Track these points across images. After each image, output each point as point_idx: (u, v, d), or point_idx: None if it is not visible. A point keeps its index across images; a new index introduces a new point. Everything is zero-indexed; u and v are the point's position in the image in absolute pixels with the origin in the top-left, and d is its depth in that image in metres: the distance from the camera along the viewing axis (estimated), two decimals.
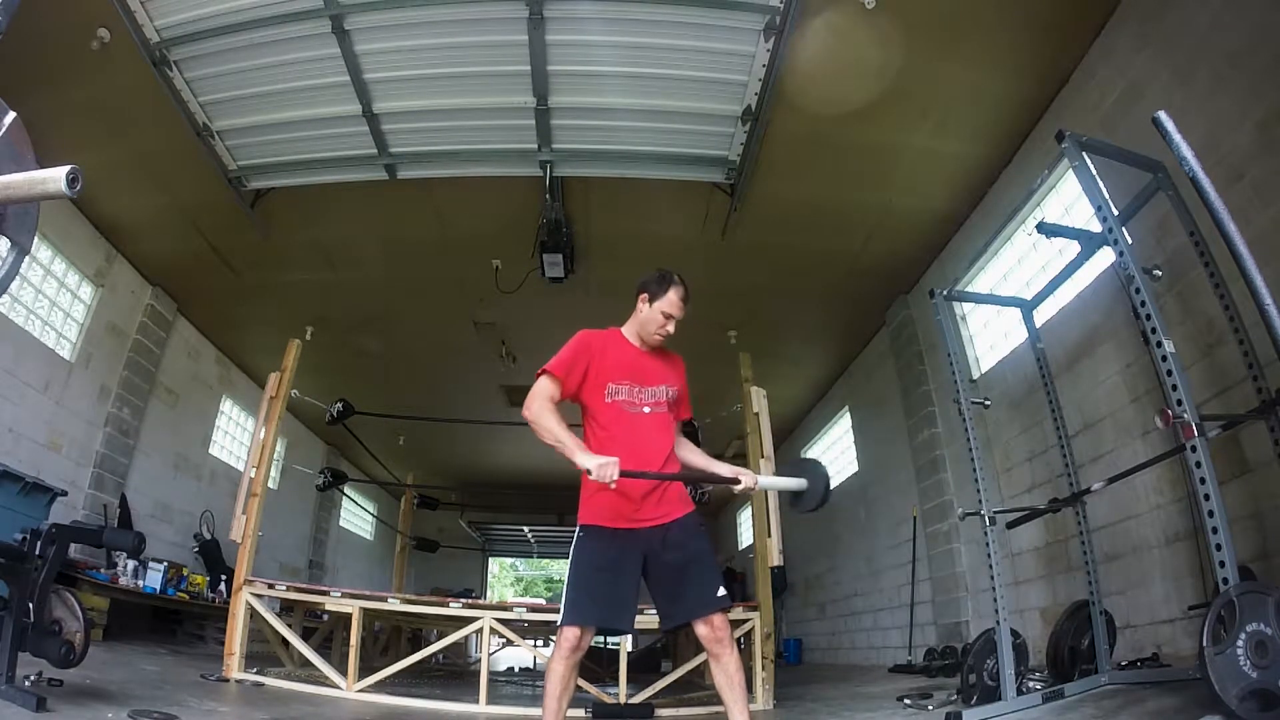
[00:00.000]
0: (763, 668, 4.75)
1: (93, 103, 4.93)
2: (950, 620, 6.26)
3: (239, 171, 5.51)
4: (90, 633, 3.01)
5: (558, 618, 2.33)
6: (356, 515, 13.94)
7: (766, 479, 2.66)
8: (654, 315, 2.49)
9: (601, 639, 5.86)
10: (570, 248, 5.97)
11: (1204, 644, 2.15)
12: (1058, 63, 4.59)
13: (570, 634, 2.28)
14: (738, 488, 2.46)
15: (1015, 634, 3.31)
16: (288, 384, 5.56)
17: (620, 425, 2.43)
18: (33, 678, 2.83)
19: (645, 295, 2.52)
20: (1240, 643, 2.09)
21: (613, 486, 2.23)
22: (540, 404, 2.39)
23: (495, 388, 9.58)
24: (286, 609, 6.13)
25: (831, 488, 2.57)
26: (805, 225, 6.14)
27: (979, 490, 3.53)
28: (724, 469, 2.52)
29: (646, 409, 2.47)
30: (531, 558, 25.38)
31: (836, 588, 9.26)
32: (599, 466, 2.19)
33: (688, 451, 2.60)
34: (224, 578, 7.42)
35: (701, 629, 2.28)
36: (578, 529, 2.42)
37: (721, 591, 2.31)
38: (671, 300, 2.47)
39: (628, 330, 2.58)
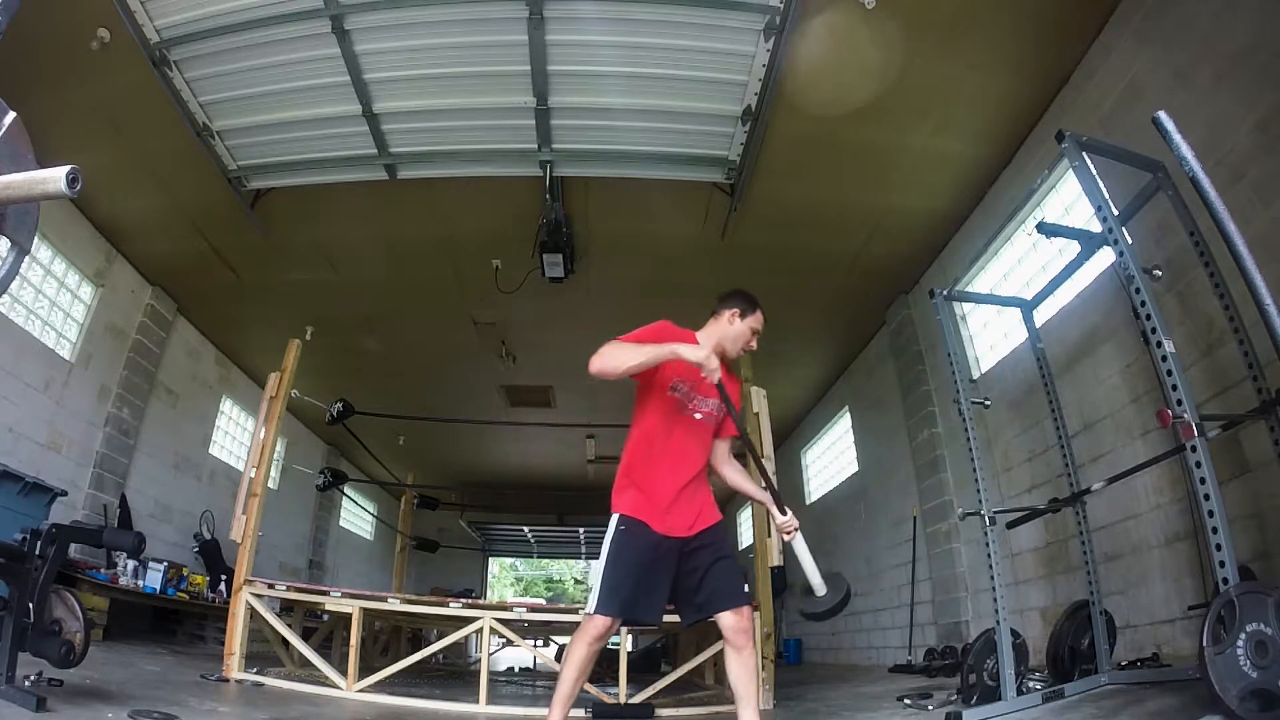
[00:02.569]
0: (763, 668, 4.74)
1: (93, 103, 4.94)
2: (950, 620, 6.26)
3: (239, 171, 5.51)
4: (90, 633, 3.00)
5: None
6: (356, 515, 13.93)
7: (801, 546, 2.52)
8: (743, 330, 2.61)
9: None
10: (570, 248, 5.96)
11: (1204, 644, 2.15)
12: (1058, 63, 4.59)
13: (601, 622, 2.31)
14: (777, 520, 2.51)
15: (1015, 634, 3.30)
16: (288, 384, 5.56)
17: (668, 422, 2.47)
18: (33, 678, 2.83)
19: (735, 311, 2.62)
20: (1240, 643, 2.09)
21: (715, 380, 2.33)
22: (609, 348, 2.35)
23: (495, 388, 9.57)
24: (286, 609, 6.12)
25: (841, 612, 2.54)
26: (805, 225, 6.14)
27: (979, 490, 3.53)
28: (770, 499, 2.57)
29: (698, 415, 2.51)
30: (531, 558, 25.40)
31: None
32: (707, 358, 2.28)
33: (732, 470, 2.66)
34: (224, 578, 7.43)
35: (729, 619, 2.33)
36: (616, 518, 2.43)
37: (746, 588, 2.45)
38: (759, 318, 2.64)
39: (702, 336, 2.60)
